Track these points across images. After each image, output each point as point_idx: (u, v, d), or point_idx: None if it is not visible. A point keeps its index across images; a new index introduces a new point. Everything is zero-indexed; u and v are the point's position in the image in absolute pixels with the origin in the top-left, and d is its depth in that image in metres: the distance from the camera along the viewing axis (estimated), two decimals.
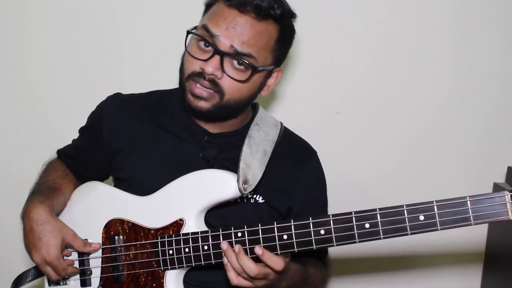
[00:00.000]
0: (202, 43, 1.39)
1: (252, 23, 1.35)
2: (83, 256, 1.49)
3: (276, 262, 1.26)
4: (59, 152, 1.67)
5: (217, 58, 1.36)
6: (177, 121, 1.54)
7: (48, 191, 1.51)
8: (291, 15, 1.43)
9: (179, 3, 2.03)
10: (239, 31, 1.35)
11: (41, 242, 1.40)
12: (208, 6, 1.44)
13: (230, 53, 1.35)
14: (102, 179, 1.62)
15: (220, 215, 1.46)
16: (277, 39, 1.41)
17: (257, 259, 1.28)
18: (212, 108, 1.40)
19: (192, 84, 1.39)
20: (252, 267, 1.26)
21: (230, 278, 1.29)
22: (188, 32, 1.41)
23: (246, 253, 1.28)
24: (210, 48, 1.37)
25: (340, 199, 1.79)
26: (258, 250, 1.26)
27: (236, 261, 1.27)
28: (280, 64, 1.50)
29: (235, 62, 1.37)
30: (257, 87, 1.46)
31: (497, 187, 1.95)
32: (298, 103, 2.06)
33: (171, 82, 1.71)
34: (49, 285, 1.53)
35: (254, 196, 1.49)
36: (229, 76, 1.38)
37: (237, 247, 1.28)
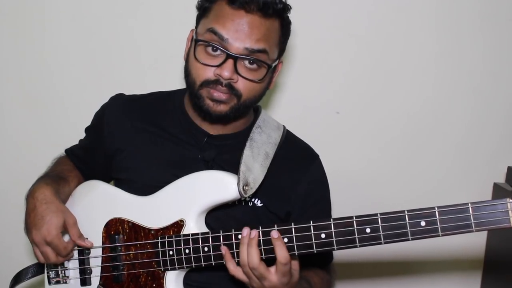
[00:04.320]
0: (210, 49, 1.37)
1: (260, 21, 1.36)
2: (83, 255, 1.49)
3: (283, 253, 1.23)
4: (67, 151, 1.69)
5: (230, 62, 1.35)
6: (177, 122, 1.54)
7: (55, 178, 1.52)
8: (289, 7, 1.44)
9: (179, 3, 2.02)
10: (249, 31, 1.35)
11: (43, 221, 1.39)
12: (204, 10, 1.42)
13: (244, 55, 1.35)
14: (105, 180, 1.60)
15: (217, 218, 1.45)
16: (281, 33, 1.43)
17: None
18: (230, 110, 1.41)
19: (209, 90, 1.39)
20: (255, 259, 1.23)
21: (228, 268, 1.29)
22: (197, 41, 1.39)
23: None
24: (219, 52, 1.36)
25: (339, 199, 1.79)
26: (275, 233, 1.23)
27: (246, 250, 1.24)
28: (281, 56, 1.50)
29: (247, 63, 1.37)
30: (267, 83, 1.47)
31: (497, 187, 1.96)
32: (298, 103, 2.06)
33: (171, 82, 1.71)
34: (49, 284, 1.53)
35: (253, 199, 1.48)
36: (245, 78, 1.38)
37: (254, 231, 1.25)
